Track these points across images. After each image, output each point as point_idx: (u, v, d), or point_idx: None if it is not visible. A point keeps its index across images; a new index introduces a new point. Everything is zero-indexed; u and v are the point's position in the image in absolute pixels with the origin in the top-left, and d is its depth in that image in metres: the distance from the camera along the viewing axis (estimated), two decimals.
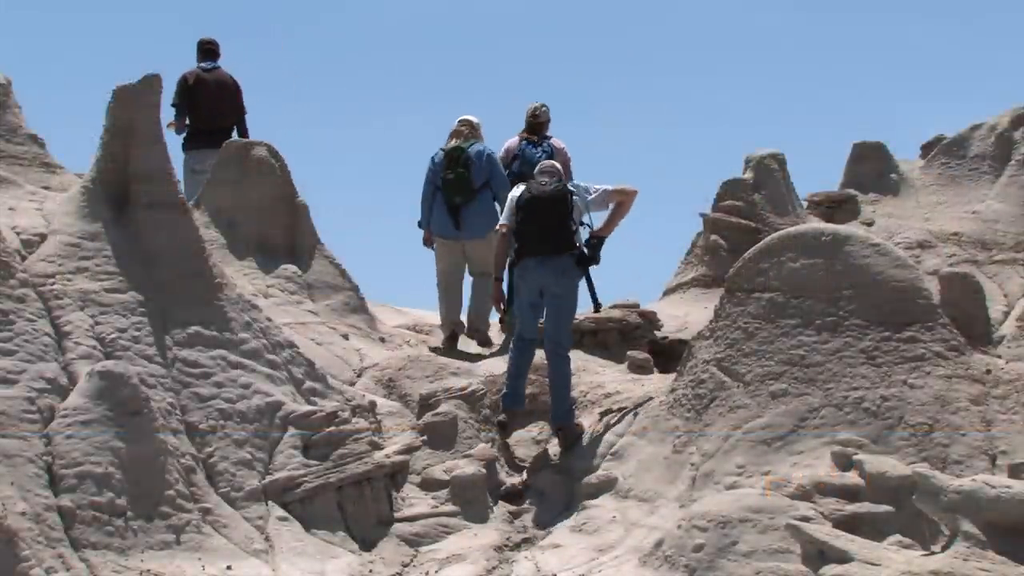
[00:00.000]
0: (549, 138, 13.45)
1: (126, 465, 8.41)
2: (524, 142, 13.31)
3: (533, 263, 10.53)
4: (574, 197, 10.64)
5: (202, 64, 14.06)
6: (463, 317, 12.57)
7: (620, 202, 10.85)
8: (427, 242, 12.69)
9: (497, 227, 11.11)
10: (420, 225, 12.67)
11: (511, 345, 10.80)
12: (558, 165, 11.26)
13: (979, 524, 7.17)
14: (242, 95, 14.19)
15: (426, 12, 49.47)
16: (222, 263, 10.77)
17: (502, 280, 11.20)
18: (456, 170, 12.34)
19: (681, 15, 51.27)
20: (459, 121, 12.67)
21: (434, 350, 12.03)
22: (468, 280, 12.75)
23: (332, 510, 9.17)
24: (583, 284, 10.68)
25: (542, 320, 10.68)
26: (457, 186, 12.34)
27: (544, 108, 13.41)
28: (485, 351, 12.26)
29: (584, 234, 10.73)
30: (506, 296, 11.17)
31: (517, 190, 10.90)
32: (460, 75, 49.67)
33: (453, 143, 12.49)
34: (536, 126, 13.46)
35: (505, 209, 10.96)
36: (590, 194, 10.80)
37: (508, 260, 10.93)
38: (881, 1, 49.20)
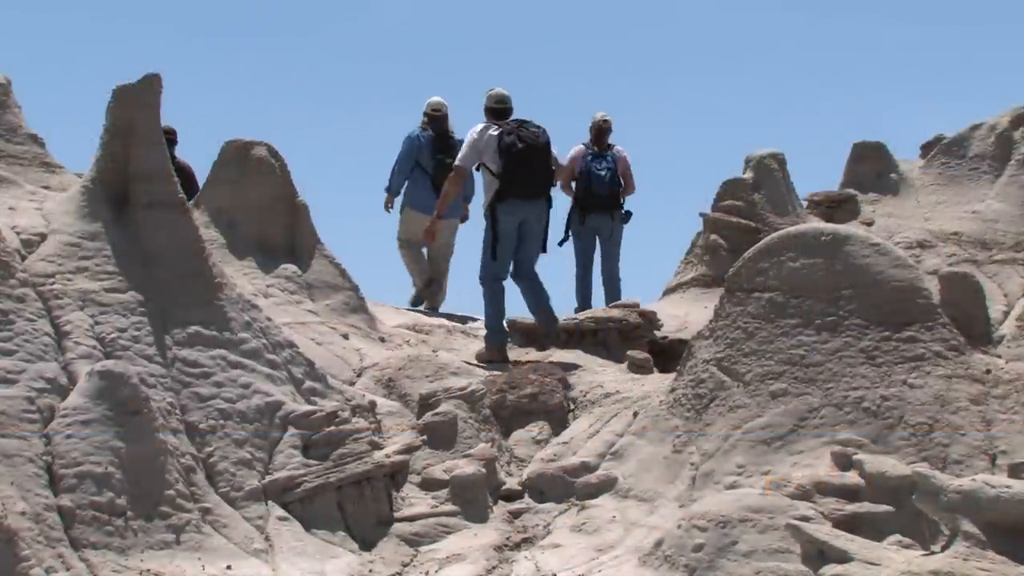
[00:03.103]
0: (612, 147, 14.60)
1: (126, 465, 8.41)
2: (589, 154, 14.52)
3: (521, 203, 11.88)
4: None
5: None
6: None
7: (558, 172, 12.35)
8: (388, 206, 14.51)
9: (456, 166, 12.26)
10: (388, 190, 14.45)
11: (492, 288, 12.04)
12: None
13: (979, 524, 7.16)
14: (195, 179, 14.11)
15: (426, 12, 49.48)
16: (222, 263, 10.77)
17: (442, 217, 12.74)
18: (451, 155, 13.39)
19: (681, 15, 51.28)
20: (436, 105, 14.26)
21: (422, 308, 13.35)
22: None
23: (332, 510, 9.17)
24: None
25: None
26: (449, 170, 13.43)
27: (609, 119, 14.53)
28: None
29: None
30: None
31: (493, 131, 11.91)
32: (460, 76, 49.64)
33: (430, 131, 14.22)
34: (600, 135, 14.58)
35: (466, 151, 12.09)
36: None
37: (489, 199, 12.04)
38: (881, 2, 49.21)
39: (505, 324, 12.37)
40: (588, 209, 14.34)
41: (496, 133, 11.89)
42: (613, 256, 14.56)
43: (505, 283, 12.18)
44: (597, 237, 14.54)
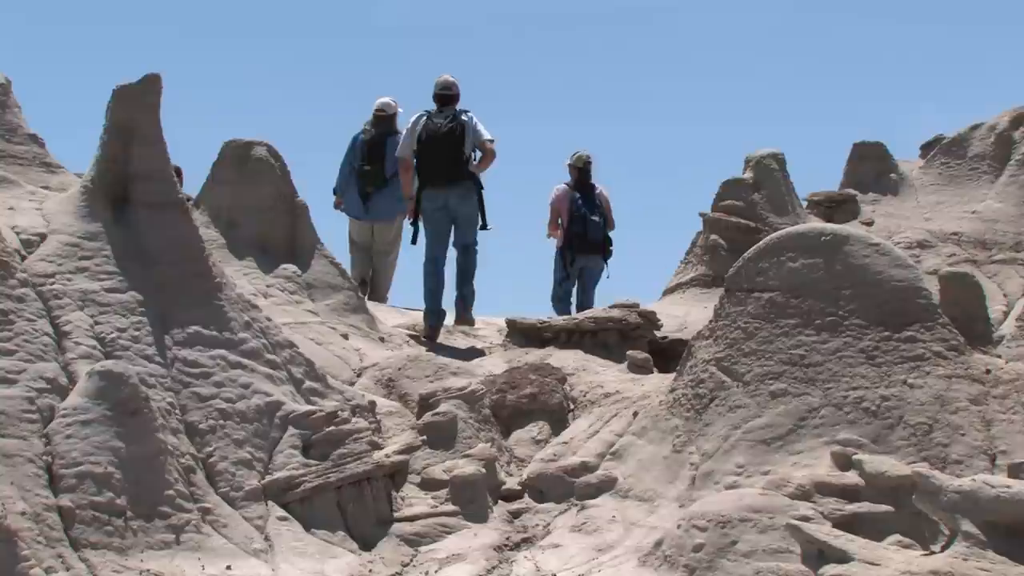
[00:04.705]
0: (595, 188, 14.79)
1: (126, 465, 8.40)
2: (578, 197, 14.63)
3: (433, 191, 12.52)
4: (467, 129, 12.49)
5: None
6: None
7: (483, 157, 12.64)
8: (337, 206, 14.56)
9: (397, 157, 12.91)
10: (334, 191, 14.56)
11: (424, 270, 12.63)
12: (457, 85, 12.85)
13: (979, 524, 7.16)
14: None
15: (425, 12, 49.48)
16: (222, 263, 10.77)
17: (413, 198, 12.86)
18: (373, 164, 14.09)
19: (681, 15, 51.29)
20: (380, 106, 14.23)
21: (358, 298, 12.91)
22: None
23: (332, 510, 9.16)
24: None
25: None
26: (371, 178, 14.08)
27: (592, 158, 14.75)
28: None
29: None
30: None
31: (421, 121, 12.55)
32: (459, 74, 49.64)
33: (369, 133, 14.18)
34: (586, 175, 14.70)
35: (403, 142, 12.76)
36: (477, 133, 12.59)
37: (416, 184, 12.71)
38: (881, 2, 49.21)
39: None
40: (581, 251, 14.56)
41: (422, 123, 12.60)
42: (592, 289, 14.85)
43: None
44: (581, 271, 14.88)
